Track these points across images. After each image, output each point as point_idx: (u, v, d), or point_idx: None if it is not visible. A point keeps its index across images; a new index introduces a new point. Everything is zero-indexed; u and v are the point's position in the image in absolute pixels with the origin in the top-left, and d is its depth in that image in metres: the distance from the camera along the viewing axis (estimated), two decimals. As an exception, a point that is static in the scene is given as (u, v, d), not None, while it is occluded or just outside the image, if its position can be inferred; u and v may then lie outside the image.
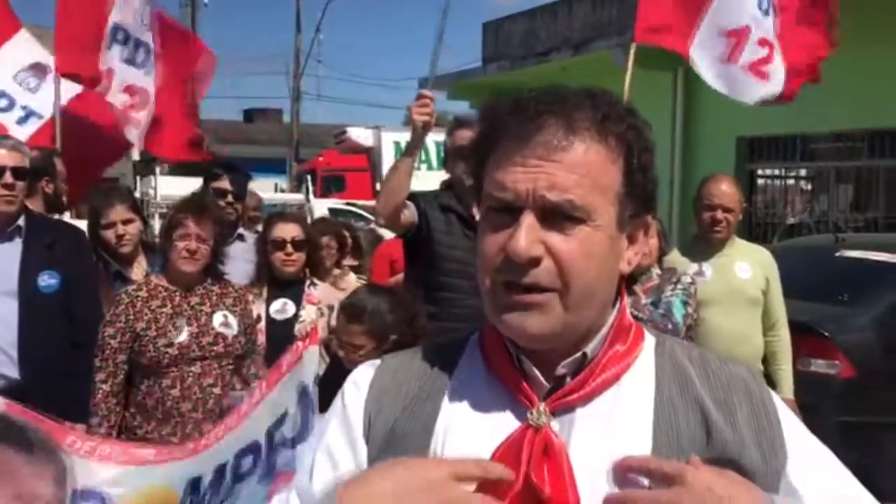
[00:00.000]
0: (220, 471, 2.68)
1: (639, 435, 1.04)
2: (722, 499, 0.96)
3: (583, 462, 1.02)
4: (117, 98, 5.26)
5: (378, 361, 1.18)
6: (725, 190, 4.05)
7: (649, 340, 1.13)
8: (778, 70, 5.06)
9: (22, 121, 5.16)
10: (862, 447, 4.76)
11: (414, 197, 3.53)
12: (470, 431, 1.06)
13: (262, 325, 3.72)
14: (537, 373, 1.06)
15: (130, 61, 5.34)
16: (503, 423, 1.06)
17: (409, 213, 3.50)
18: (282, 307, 3.83)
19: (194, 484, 2.63)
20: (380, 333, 2.89)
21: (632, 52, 4.74)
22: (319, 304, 3.85)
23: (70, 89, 5.34)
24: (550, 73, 12.53)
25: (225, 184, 4.54)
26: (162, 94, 5.51)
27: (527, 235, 1.00)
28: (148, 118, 5.38)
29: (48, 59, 5.36)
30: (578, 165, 1.01)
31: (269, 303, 3.84)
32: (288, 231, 3.90)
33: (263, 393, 2.77)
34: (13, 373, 3.36)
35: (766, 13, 5.03)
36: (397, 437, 1.08)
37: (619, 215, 1.05)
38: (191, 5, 34.01)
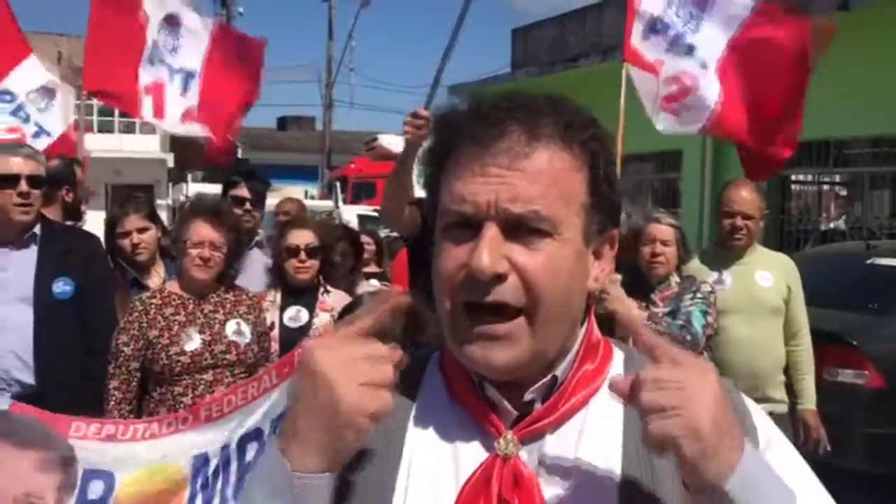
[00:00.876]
0: (225, 453, 2.70)
1: (609, 458, 0.99)
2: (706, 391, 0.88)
3: (553, 490, 0.98)
4: (176, 107, 5.34)
5: None
6: (745, 196, 3.96)
7: (618, 356, 1.07)
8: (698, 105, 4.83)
9: (35, 136, 5.24)
10: (891, 460, 4.64)
11: (420, 202, 3.57)
12: (436, 463, 1.01)
13: (276, 332, 3.73)
14: (504, 402, 1.00)
15: (173, 70, 5.41)
16: (470, 454, 1.00)
17: (412, 217, 3.58)
18: (295, 314, 3.84)
19: (203, 460, 2.65)
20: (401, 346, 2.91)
21: (623, 72, 4.61)
22: (333, 312, 3.84)
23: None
24: (579, 78, 12.44)
25: (243, 191, 4.58)
26: (210, 96, 5.55)
27: (490, 250, 0.93)
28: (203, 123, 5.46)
29: (55, 81, 5.48)
30: (542, 174, 0.95)
31: (282, 310, 3.84)
32: (301, 238, 3.89)
33: (273, 383, 2.78)
34: (28, 378, 3.40)
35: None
36: (359, 480, 1.00)
37: (586, 228, 0.99)
38: (226, 15, 34.45)
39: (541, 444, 1.00)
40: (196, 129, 5.48)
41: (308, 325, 3.80)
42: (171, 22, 5.41)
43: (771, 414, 4.00)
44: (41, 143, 5.00)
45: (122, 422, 2.94)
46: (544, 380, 1.00)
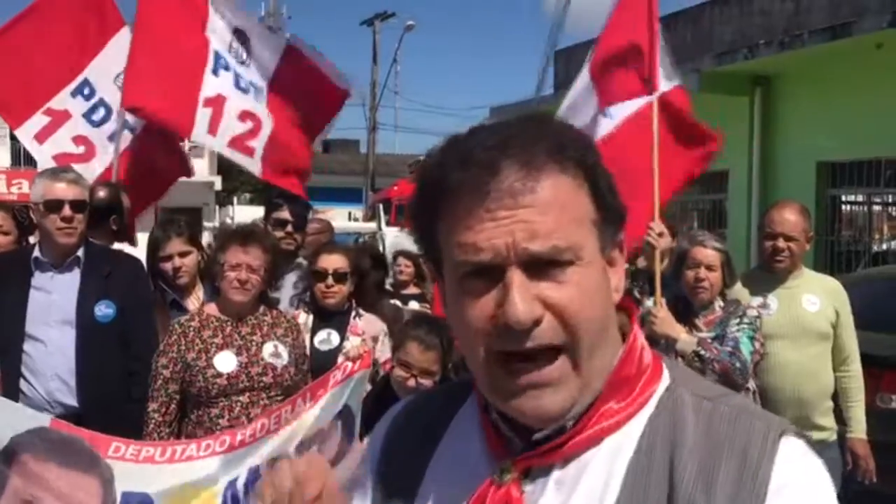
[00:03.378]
0: (254, 472, 2.71)
1: (607, 498, 0.95)
2: None
3: None
4: (232, 128, 4.78)
5: (398, 408, 1.18)
6: (788, 217, 3.84)
7: (660, 387, 1.01)
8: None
9: (110, 139, 4.78)
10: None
11: None
12: (450, 480, 1.03)
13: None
14: (509, 432, 1.00)
15: (238, 87, 4.88)
16: (476, 476, 1.01)
17: None
18: (326, 337, 3.84)
19: (232, 483, 2.67)
20: (444, 360, 2.98)
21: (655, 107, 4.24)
22: (364, 336, 3.84)
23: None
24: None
25: (285, 214, 4.62)
26: (281, 122, 4.99)
27: (521, 297, 0.89)
28: (263, 145, 4.88)
29: None
30: (550, 203, 0.92)
31: (313, 332, 3.85)
32: (331, 262, 3.89)
33: (306, 406, 2.79)
34: (71, 400, 3.45)
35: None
36: (388, 477, 1.08)
37: (601, 243, 0.97)
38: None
39: (545, 479, 0.98)
40: (240, 158, 4.91)
41: (338, 349, 3.79)
42: (240, 37, 4.96)
43: (819, 442, 3.90)
44: (124, 141, 4.78)
45: (160, 443, 2.97)
46: (554, 425, 0.97)
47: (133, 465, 2.69)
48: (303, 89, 5.03)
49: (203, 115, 4.71)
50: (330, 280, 3.87)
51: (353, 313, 3.95)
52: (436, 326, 3.10)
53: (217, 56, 4.85)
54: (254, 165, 4.88)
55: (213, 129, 4.81)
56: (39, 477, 1.66)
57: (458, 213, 0.94)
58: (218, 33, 4.91)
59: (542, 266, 0.91)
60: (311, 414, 2.81)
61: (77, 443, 1.86)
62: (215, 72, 4.79)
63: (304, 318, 3.88)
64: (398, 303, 5.52)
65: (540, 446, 0.98)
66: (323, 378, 3.19)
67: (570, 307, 0.91)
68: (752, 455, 0.92)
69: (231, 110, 4.77)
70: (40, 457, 1.72)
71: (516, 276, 0.90)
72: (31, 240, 4.25)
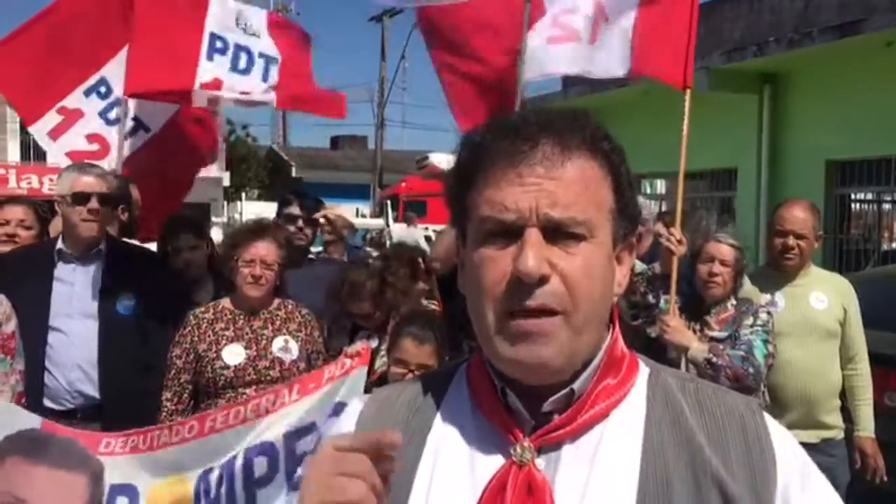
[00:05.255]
0: (229, 467, 2.70)
1: (626, 474, 1.01)
2: None
3: (567, 499, 1.00)
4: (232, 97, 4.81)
5: (364, 398, 1.17)
6: (798, 215, 3.83)
7: (643, 372, 1.10)
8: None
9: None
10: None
11: None
12: (456, 468, 1.05)
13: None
14: (521, 408, 1.04)
15: (236, 69, 4.84)
16: (488, 460, 1.04)
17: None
18: (366, 338, 3.81)
19: (206, 475, 2.67)
20: (441, 352, 2.97)
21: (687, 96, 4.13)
22: None
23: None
24: (631, 97, 12.37)
25: (295, 209, 4.66)
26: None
27: (535, 253, 0.98)
28: (275, 82, 4.83)
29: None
30: (576, 182, 1.01)
31: (353, 333, 3.80)
32: (356, 275, 3.76)
33: (291, 398, 2.78)
34: (92, 391, 3.51)
35: None
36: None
37: (614, 232, 1.06)
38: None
39: (558, 454, 1.03)
40: (249, 98, 4.83)
41: (377, 349, 3.75)
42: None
43: (827, 441, 3.89)
44: (138, 140, 4.83)
45: (143, 431, 2.95)
46: (562, 392, 1.03)
47: (120, 457, 2.71)
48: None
49: (201, 95, 4.74)
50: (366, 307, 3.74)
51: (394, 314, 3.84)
52: (429, 321, 3.10)
53: (213, 38, 4.80)
54: (267, 95, 4.88)
55: (212, 101, 4.89)
56: (22, 477, 1.69)
57: (492, 174, 1.03)
58: (216, 17, 4.86)
59: (558, 234, 1.00)
60: (300, 406, 2.80)
61: (65, 443, 1.89)
62: (210, 57, 4.78)
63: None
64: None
65: (550, 421, 1.03)
66: (317, 372, 3.18)
67: (574, 275, 1.00)
68: (751, 427, 1.04)
69: (227, 93, 4.79)
70: (27, 458, 1.75)
71: (533, 235, 0.99)
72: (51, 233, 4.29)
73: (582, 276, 1.00)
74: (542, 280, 0.98)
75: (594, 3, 4.28)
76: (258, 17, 5.03)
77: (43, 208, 4.48)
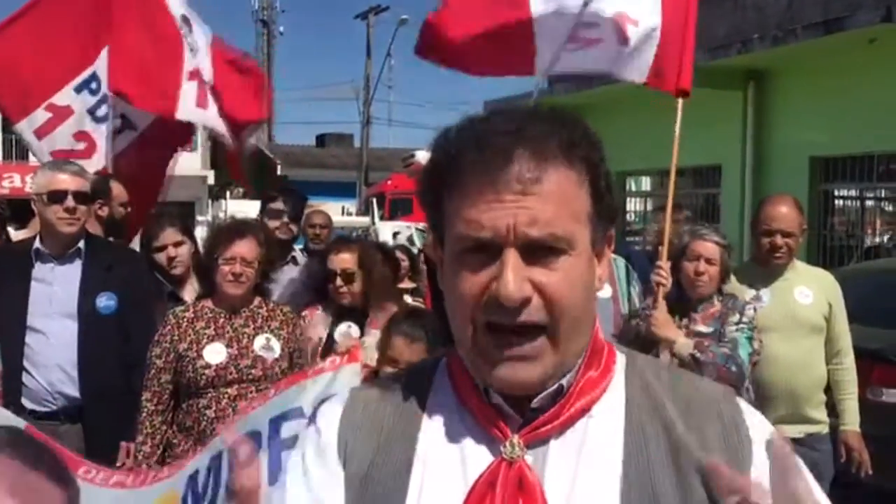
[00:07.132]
0: (216, 458, 2.68)
1: (609, 464, 1.01)
2: None
3: (557, 495, 1.00)
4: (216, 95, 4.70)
5: (345, 395, 1.14)
6: (785, 213, 3.81)
7: (620, 361, 1.10)
8: None
9: (119, 131, 4.69)
10: (939, 484, 4.49)
11: None
12: (445, 467, 1.04)
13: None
14: (508, 408, 1.04)
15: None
16: (477, 458, 1.03)
17: None
18: (346, 330, 3.80)
19: (193, 477, 2.64)
20: (433, 351, 2.96)
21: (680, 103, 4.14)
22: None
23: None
24: (618, 94, 12.38)
25: (279, 205, 4.69)
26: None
27: (514, 276, 0.96)
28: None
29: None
30: (553, 195, 0.98)
31: (334, 325, 3.80)
32: (339, 262, 3.82)
33: (276, 391, 2.75)
34: (73, 391, 3.47)
35: None
36: (374, 480, 1.04)
37: (593, 236, 1.04)
38: (266, 35, 34.99)
39: (545, 449, 1.03)
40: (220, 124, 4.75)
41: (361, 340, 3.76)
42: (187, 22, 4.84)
43: (812, 435, 3.88)
44: (125, 139, 4.75)
45: (131, 472, 2.91)
46: (551, 388, 1.03)
47: (100, 489, 2.65)
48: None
49: (190, 87, 4.64)
50: (339, 281, 3.80)
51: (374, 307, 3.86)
52: (419, 319, 3.10)
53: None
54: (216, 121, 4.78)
55: (200, 102, 4.71)
56: (5, 476, 1.65)
57: (467, 191, 1.00)
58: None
59: (536, 251, 0.98)
60: (283, 395, 2.76)
61: (49, 452, 1.85)
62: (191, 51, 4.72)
63: (325, 311, 3.83)
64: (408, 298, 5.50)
65: (536, 416, 1.03)
66: (300, 373, 3.14)
67: (556, 292, 0.98)
68: (726, 412, 1.05)
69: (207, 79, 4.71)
70: (12, 458, 1.71)
71: (512, 257, 0.97)
72: (12, 232, 4.21)
73: (565, 290, 0.99)
74: (525, 302, 0.97)
75: (615, 12, 4.16)
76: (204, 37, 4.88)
77: (1, 205, 4.42)
